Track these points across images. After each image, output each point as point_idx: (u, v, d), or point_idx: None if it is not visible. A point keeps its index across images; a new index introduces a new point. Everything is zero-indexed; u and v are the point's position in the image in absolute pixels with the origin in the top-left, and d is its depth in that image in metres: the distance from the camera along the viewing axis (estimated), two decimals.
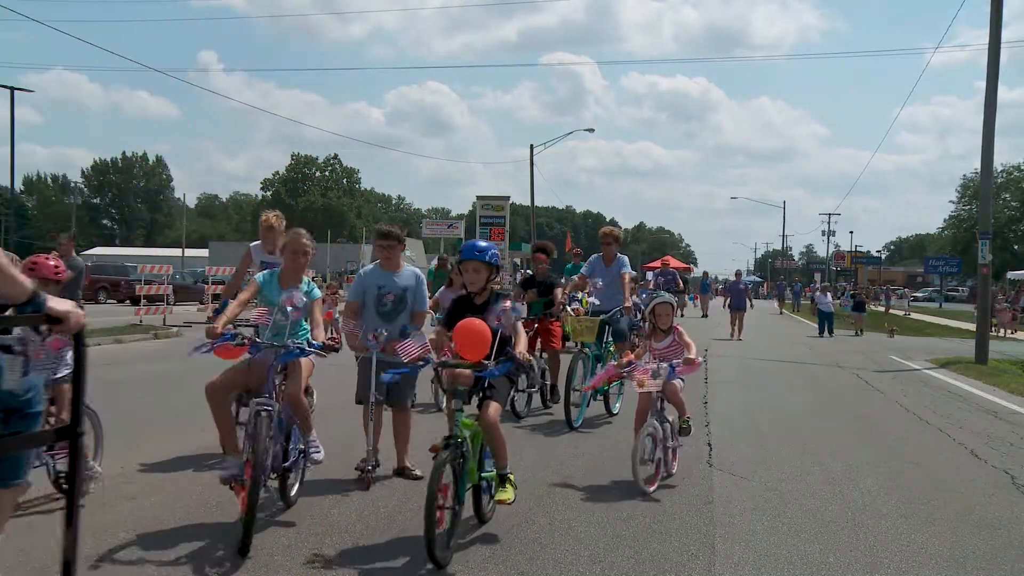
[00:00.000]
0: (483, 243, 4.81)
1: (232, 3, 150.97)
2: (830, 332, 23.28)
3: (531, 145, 44.85)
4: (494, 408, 4.39)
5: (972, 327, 19.62)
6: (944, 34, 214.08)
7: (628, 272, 8.34)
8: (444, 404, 4.84)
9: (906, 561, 4.27)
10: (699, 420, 8.31)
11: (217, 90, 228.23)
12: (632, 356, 6.03)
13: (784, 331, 25.72)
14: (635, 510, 5.04)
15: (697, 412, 8.80)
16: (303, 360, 4.86)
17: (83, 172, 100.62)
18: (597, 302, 8.20)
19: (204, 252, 65.45)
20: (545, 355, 8.57)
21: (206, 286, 26.12)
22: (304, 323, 5.07)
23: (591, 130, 47.79)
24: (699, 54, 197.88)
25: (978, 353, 16.06)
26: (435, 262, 18.34)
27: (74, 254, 10.13)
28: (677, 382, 5.81)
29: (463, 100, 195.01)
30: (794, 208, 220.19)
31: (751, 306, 22.36)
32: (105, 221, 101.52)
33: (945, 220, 71.08)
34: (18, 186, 55.85)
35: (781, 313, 37.90)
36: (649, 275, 25.64)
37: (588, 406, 7.98)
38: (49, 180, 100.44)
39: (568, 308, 8.28)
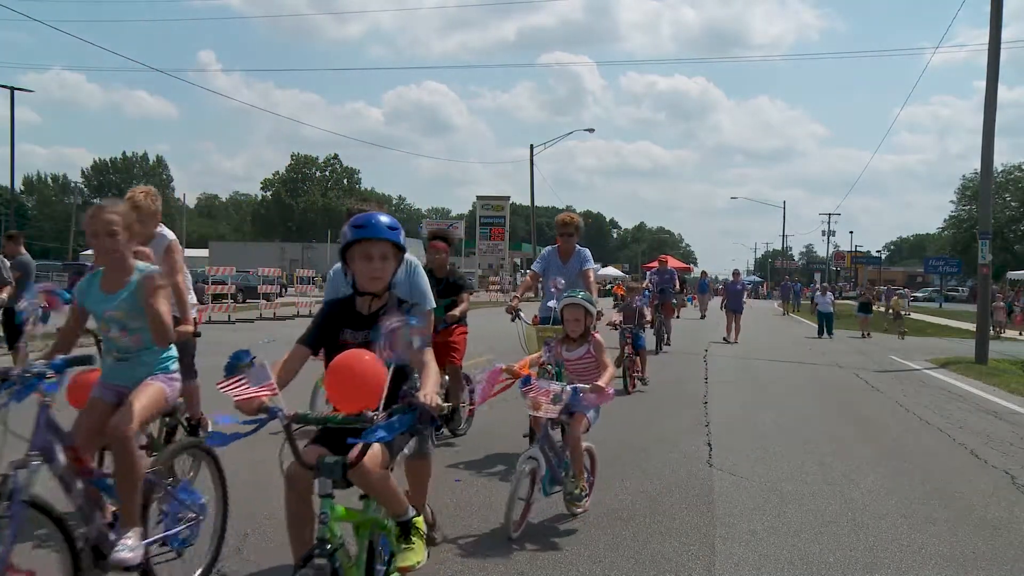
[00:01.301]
0: (388, 218, 3.16)
1: (230, 3, 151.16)
2: (829, 333, 22.98)
3: (531, 145, 44.92)
4: (378, 460, 2.86)
5: (972, 327, 19.61)
6: (944, 34, 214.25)
7: (591, 268, 6.93)
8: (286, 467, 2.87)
9: (906, 561, 4.27)
10: (699, 420, 8.32)
11: (216, 90, 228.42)
12: (524, 367, 4.63)
13: (784, 331, 25.72)
14: (635, 510, 5.04)
15: (697, 412, 8.82)
16: (151, 385, 3.48)
17: (83, 172, 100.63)
18: (557, 306, 5.95)
19: (204, 252, 65.47)
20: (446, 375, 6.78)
21: (206, 286, 26.12)
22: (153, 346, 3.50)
23: (591, 130, 47.83)
24: (698, 54, 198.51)
25: (978, 353, 16.06)
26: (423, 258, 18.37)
27: (23, 251, 9.88)
28: (587, 417, 4.63)
29: (462, 100, 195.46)
30: (794, 208, 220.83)
31: (748, 307, 21.20)
32: None
33: (945, 220, 71.19)
34: (18, 186, 55.88)
35: (785, 314, 37.15)
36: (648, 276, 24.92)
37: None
38: (49, 180, 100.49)
39: (520, 315, 6.65)
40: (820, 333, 23.07)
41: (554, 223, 7.15)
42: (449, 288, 6.68)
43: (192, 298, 5.38)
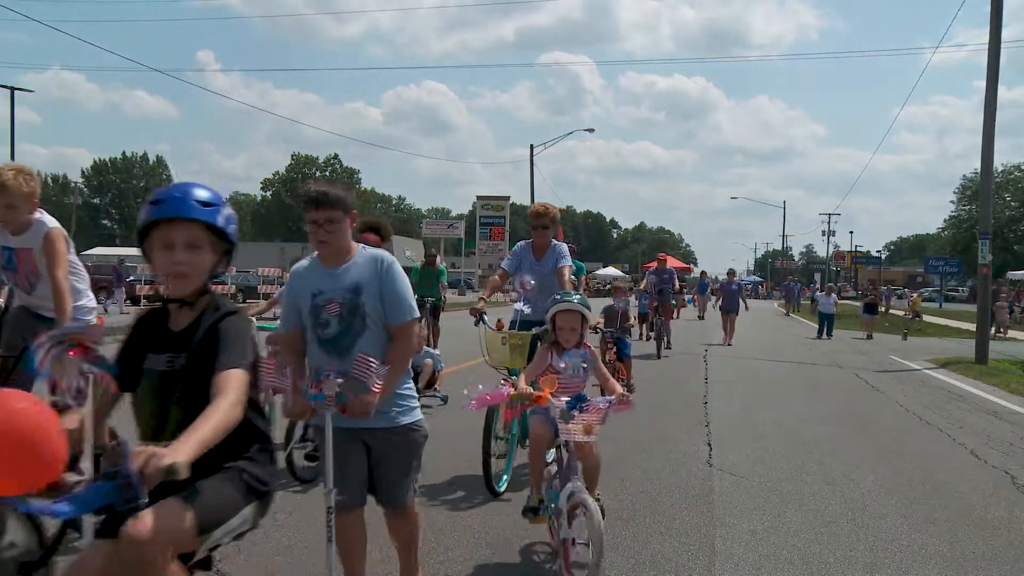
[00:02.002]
0: (204, 190, 2.33)
1: (229, 3, 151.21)
2: (828, 334, 22.62)
3: (531, 145, 44.87)
4: (164, 527, 1.99)
5: (972, 327, 19.61)
6: (944, 34, 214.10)
7: (568, 265, 5.99)
8: None
9: (906, 561, 4.27)
10: (699, 420, 8.32)
11: (215, 90, 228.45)
12: (545, 393, 3.71)
13: (784, 331, 25.70)
14: (635, 510, 5.04)
15: (697, 412, 8.82)
16: None
17: (83, 172, 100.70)
18: (526, 310, 5.47)
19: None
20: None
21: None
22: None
23: (591, 130, 47.76)
24: (697, 53, 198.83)
25: (978, 353, 16.05)
26: (420, 258, 15.82)
27: None
28: (592, 432, 3.64)
29: (461, 100, 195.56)
30: (793, 208, 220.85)
31: (746, 308, 20.00)
32: (105, 221, 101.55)
33: (945, 220, 71.22)
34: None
35: (787, 314, 36.30)
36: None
37: (515, 457, 5.75)
38: (49, 180, 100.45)
39: (484, 320, 5.78)
40: (820, 334, 22.71)
41: (528, 215, 6.35)
42: None
43: (86, 298, 4.53)
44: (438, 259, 14.04)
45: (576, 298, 4.08)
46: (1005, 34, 20.09)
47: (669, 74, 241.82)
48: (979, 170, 19.40)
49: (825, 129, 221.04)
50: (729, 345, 18.01)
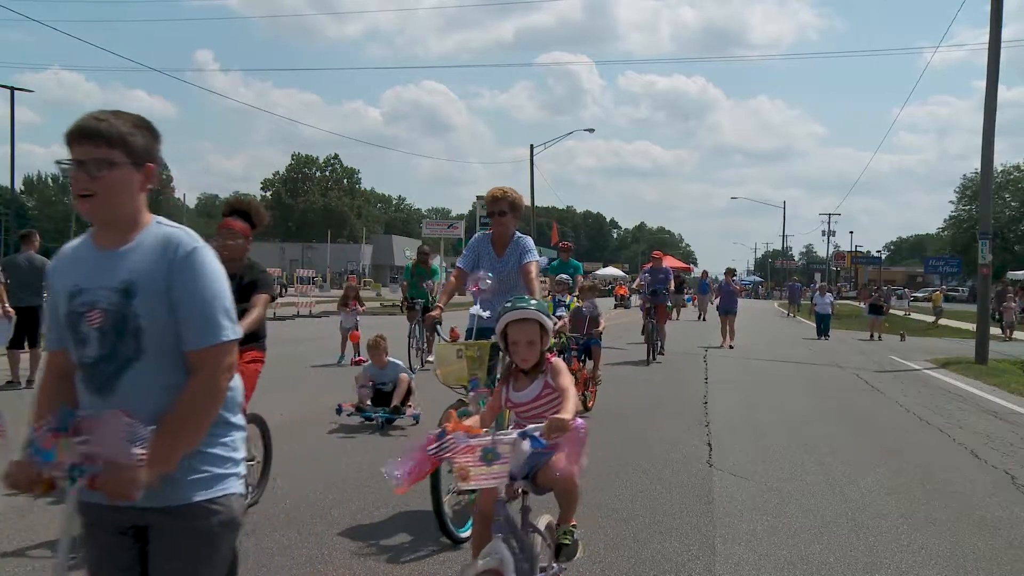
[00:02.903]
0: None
1: (228, 3, 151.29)
2: (825, 334, 22.18)
3: (531, 145, 44.82)
4: None
5: (972, 327, 19.60)
6: (944, 34, 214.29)
7: (534, 261, 5.07)
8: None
9: (906, 561, 4.27)
10: (699, 420, 8.32)
11: (214, 89, 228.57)
12: (454, 421, 2.80)
13: (784, 332, 25.68)
14: (635, 510, 5.04)
15: (697, 412, 8.82)
16: None
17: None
18: (484, 314, 4.60)
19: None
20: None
21: None
22: None
23: (591, 130, 47.67)
24: (696, 53, 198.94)
25: (978, 353, 16.05)
26: (412, 256, 15.01)
27: (34, 253, 9.91)
28: (571, 461, 2.99)
29: (460, 100, 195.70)
30: (793, 208, 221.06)
31: (746, 306, 19.86)
32: None
33: (945, 220, 71.30)
34: (18, 186, 55.92)
35: (791, 316, 35.18)
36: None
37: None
38: (49, 180, 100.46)
39: (438, 330, 5.08)
40: (819, 335, 22.24)
41: (484, 200, 5.29)
42: (243, 291, 4.53)
43: None
44: (435, 257, 13.43)
45: (532, 304, 3.14)
46: (1005, 34, 20.10)
47: (668, 74, 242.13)
48: (979, 170, 19.40)
49: (825, 129, 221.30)
50: (730, 348, 17.34)
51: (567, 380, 3.09)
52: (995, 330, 27.15)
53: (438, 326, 5.05)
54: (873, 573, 4.09)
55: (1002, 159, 77.88)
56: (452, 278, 5.26)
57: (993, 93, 16.38)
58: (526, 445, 2.66)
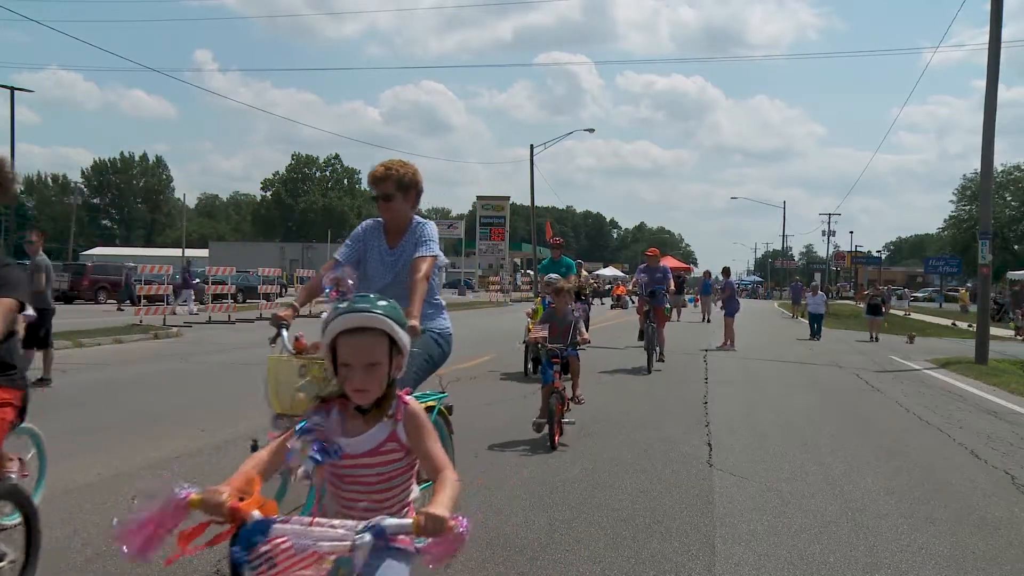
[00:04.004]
0: None
1: (226, 2, 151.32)
2: (817, 334, 21.74)
3: (531, 145, 44.91)
4: None
5: (972, 327, 19.60)
6: (944, 34, 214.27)
7: (431, 256, 4.03)
8: None
9: (906, 561, 4.27)
10: (699, 420, 8.32)
11: (213, 89, 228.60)
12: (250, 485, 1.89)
13: (783, 332, 25.67)
14: (635, 510, 5.04)
15: (697, 412, 8.82)
16: None
17: (83, 172, 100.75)
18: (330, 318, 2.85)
19: (204, 252, 65.43)
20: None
21: (206, 286, 26.10)
22: None
23: (591, 130, 47.82)
24: (696, 53, 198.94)
25: (978, 353, 16.06)
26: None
27: (40, 253, 9.96)
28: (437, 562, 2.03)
29: (460, 99, 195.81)
30: (793, 208, 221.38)
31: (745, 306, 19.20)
32: (105, 221, 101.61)
33: (945, 220, 71.27)
34: (18, 186, 55.81)
35: (794, 317, 33.92)
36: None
37: None
38: (49, 180, 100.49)
39: (283, 338, 3.84)
40: (812, 335, 21.81)
41: (369, 179, 4.19)
42: None
43: None
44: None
45: (380, 306, 2.05)
46: (1005, 34, 20.08)
47: (667, 74, 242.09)
48: (979, 170, 19.39)
49: (825, 129, 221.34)
50: (733, 350, 16.80)
51: (432, 441, 2.11)
52: (1007, 331, 27.15)
53: (284, 331, 3.80)
54: (873, 573, 4.09)
55: (1002, 159, 77.99)
56: (322, 270, 4.01)
57: (993, 93, 16.39)
58: (365, 547, 1.77)
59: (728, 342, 17.27)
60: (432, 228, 4.17)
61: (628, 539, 4.48)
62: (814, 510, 5.15)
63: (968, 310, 30.61)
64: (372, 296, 2.11)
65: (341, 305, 2.07)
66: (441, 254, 4.13)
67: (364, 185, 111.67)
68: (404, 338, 2.09)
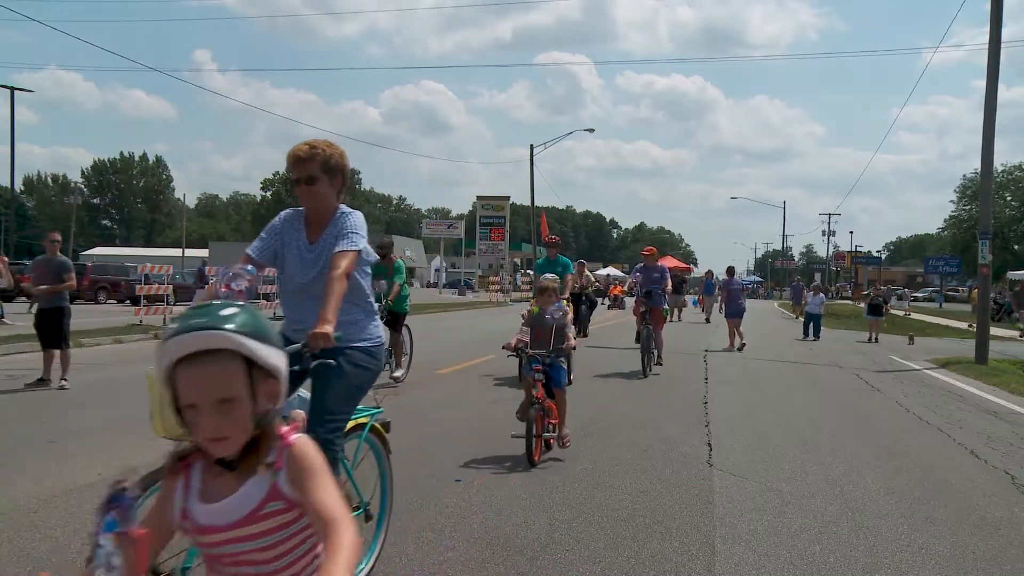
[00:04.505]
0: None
1: (226, 2, 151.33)
2: (816, 334, 21.41)
3: (531, 145, 44.86)
4: None
5: (972, 327, 19.59)
6: (944, 34, 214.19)
7: (355, 250, 3.42)
8: None
9: (906, 561, 4.27)
10: (699, 420, 8.31)
11: (213, 89, 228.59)
12: None
13: (782, 332, 25.66)
14: (635, 510, 5.04)
15: (697, 412, 8.82)
16: None
17: (83, 172, 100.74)
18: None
19: (204, 252, 65.43)
20: None
21: (207, 286, 26.06)
22: None
23: (591, 130, 47.73)
24: (695, 53, 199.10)
25: (978, 353, 16.05)
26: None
27: (58, 253, 10.03)
28: None
29: (459, 99, 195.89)
30: (793, 208, 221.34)
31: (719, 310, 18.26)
32: (105, 221, 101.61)
33: (945, 220, 71.33)
34: (18, 186, 55.85)
35: (796, 317, 33.24)
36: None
37: None
38: (49, 180, 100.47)
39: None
40: (806, 335, 21.41)
41: (288, 159, 3.53)
42: None
43: None
44: (393, 252, 10.63)
45: (227, 317, 1.56)
46: (1005, 34, 20.07)
47: (667, 74, 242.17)
48: (979, 170, 19.38)
49: (825, 129, 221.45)
50: (738, 351, 16.54)
51: (322, 488, 1.57)
52: (1011, 332, 27.12)
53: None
54: (873, 573, 4.09)
55: (1002, 159, 78.00)
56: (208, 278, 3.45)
57: (993, 93, 16.38)
58: None
59: (731, 343, 17.00)
60: (359, 219, 3.57)
61: (628, 539, 4.48)
62: (814, 510, 5.15)
63: (1008, 311, 30.57)
64: (215, 304, 1.57)
65: (172, 325, 1.52)
66: (368, 248, 3.53)
67: (364, 185, 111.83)
68: (271, 356, 1.56)
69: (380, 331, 3.65)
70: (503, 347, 6.55)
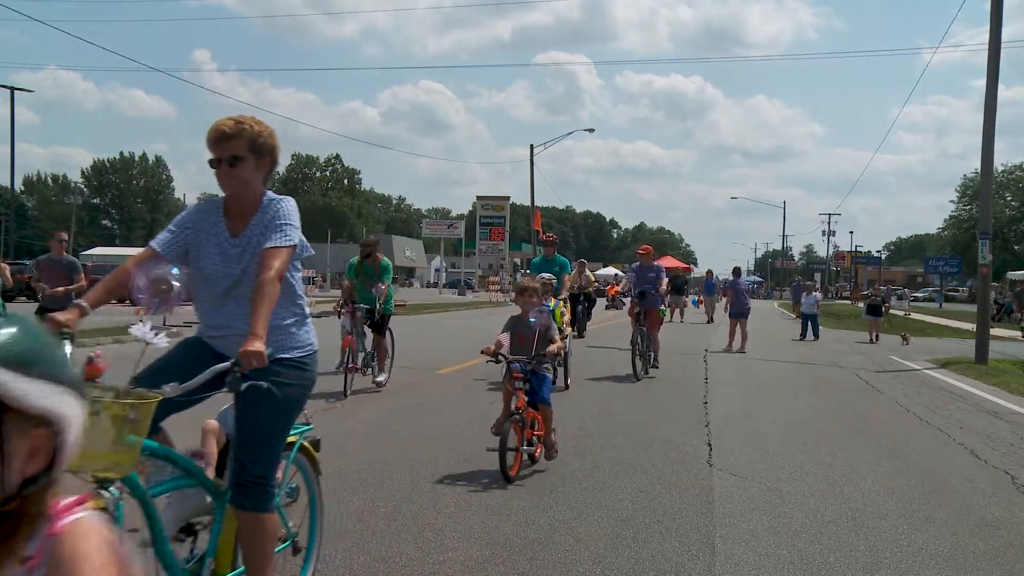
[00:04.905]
0: None
1: (225, 2, 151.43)
2: (815, 335, 21.42)
3: (531, 145, 44.87)
4: None
5: (972, 327, 19.59)
6: (944, 34, 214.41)
7: (287, 245, 2.91)
8: None
9: (906, 561, 4.27)
10: (699, 420, 8.32)
11: (213, 89, 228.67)
12: None
13: (781, 332, 25.66)
14: (635, 510, 5.04)
15: (697, 412, 8.82)
16: None
17: (83, 172, 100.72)
18: (158, 341, 2.71)
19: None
20: None
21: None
22: None
23: (591, 130, 47.80)
24: (695, 52, 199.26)
25: (978, 353, 16.05)
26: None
27: (64, 252, 10.04)
28: None
29: (458, 99, 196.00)
30: (793, 208, 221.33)
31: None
32: (105, 221, 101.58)
33: (945, 220, 71.41)
34: (18, 186, 55.88)
35: (795, 318, 34.14)
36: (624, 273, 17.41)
37: None
38: (49, 180, 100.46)
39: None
40: (803, 335, 21.32)
41: (207, 139, 3.01)
42: None
43: None
44: (377, 251, 9.82)
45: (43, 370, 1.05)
46: (1005, 34, 20.06)
47: (666, 73, 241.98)
48: (979, 170, 19.38)
49: (824, 129, 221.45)
50: (743, 352, 16.28)
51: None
52: (1013, 332, 27.09)
53: (67, 344, 2.58)
54: (873, 573, 4.09)
55: (1002, 159, 78.01)
56: (129, 261, 2.94)
57: (993, 93, 16.38)
58: None
59: (731, 344, 16.82)
60: (290, 207, 3.03)
61: (628, 539, 4.48)
62: (814, 510, 5.15)
63: (1008, 311, 30.53)
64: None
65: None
66: (304, 240, 3.04)
67: (364, 185, 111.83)
68: (33, 395, 1.03)
69: (313, 337, 3.15)
70: (482, 351, 5.96)
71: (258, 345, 2.59)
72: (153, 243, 3.02)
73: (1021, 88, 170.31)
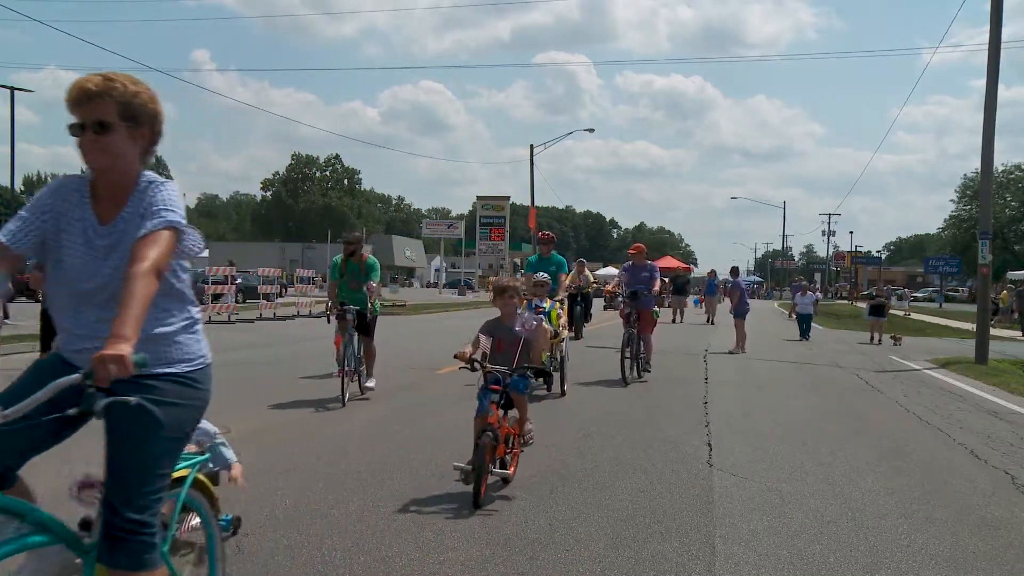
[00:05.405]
0: None
1: (224, 2, 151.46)
2: (806, 336, 21.25)
3: (531, 145, 44.88)
4: None
5: (972, 327, 19.59)
6: (944, 34, 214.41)
7: (171, 228, 2.32)
8: None
9: (906, 561, 4.27)
10: (699, 420, 8.31)
11: (211, 89, 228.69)
12: None
13: (783, 332, 25.65)
14: (635, 510, 5.04)
15: (697, 412, 8.82)
16: None
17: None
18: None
19: (204, 252, 65.47)
20: None
21: (206, 287, 26.12)
22: None
23: (591, 130, 47.85)
24: (694, 52, 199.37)
25: (978, 353, 16.05)
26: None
27: None
28: None
29: (458, 99, 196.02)
30: (793, 208, 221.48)
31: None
32: None
33: (945, 220, 71.38)
34: (18, 186, 55.80)
35: (790, 316, 34.01)
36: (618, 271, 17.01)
37: None
38: (49, 180, 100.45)
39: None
40: (802, 336, 21.24)
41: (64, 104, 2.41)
42: None
43: None
44: (362, 248, 9.15)
45: None
46: (1005, 34, 20.07)
47: (666, 73, 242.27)
48: (979, 170, 19.38)
49: (824, 129, 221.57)
50: (743, 352, 16.25)
51: None
52: (1013, 332, 27.08)
53: None
54: (873, 573, 4.09)
55: (1002, 159, 77.97)
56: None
57: (993, 93, 16.38)
58: None
59: (737, 344, 16.59)
60: (172, 191, 2.45)
61: (628, 539, 4.48)
62: (814, 510, 5.15)
63: (1008, 312, 30.44)
64: None
65: None
66: (194, 234, 2.47)
67: (364, 185, 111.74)
68: None
69: (205, 348, 2.62)
70: (455, 356, 5.29)
71: (121, 348, 2.00)
72: (3, 235, 2.34)
73: (1021, 88, 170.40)
